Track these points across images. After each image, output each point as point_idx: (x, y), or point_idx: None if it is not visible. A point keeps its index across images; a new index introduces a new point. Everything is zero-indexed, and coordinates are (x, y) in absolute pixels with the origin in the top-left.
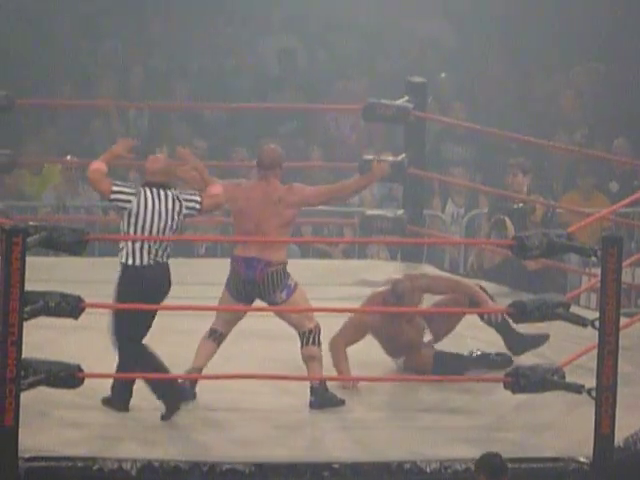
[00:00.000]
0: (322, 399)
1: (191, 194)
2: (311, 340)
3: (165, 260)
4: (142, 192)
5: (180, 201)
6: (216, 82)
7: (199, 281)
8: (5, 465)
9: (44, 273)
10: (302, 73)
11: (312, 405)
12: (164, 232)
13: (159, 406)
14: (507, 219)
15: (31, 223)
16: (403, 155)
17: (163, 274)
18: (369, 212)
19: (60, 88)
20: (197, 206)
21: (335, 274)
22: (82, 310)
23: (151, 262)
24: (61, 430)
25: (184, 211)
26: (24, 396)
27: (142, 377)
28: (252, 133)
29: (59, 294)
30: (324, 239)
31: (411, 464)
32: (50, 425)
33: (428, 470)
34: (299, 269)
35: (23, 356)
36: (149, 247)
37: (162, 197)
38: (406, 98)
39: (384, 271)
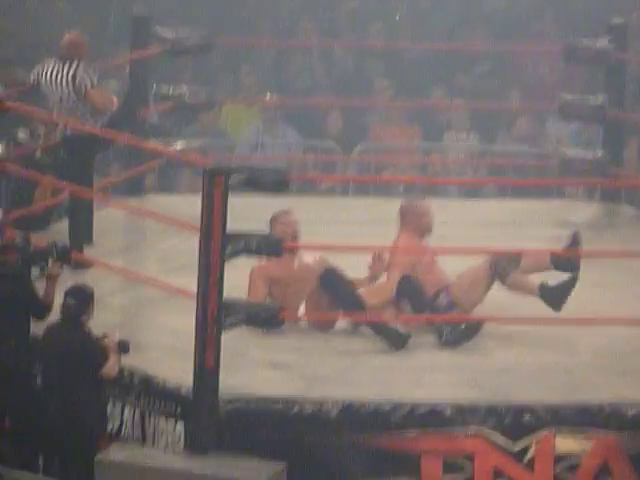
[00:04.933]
0: None
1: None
2: None
3: None
4: None
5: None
6: (414, 20)
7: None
8: (206, 405)
9: (242, 212)
10: (499, 11)
11: None
12: None
13: (357, 349)
14: None
15: (232, 163)
16: (603, 96)
17: None
18: (568, 153)
19: (260, 24)
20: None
21: (534, 214)
22: (283, 250)
23: None
24: (261, 371)
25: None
26: (224, 336)
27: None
28: (448, 72)
29: (260, 235)
30: (523, 181)
31: (612, 407)
32: (250, 366)
33: (629, 414)
34: (496, 209)
35: (224, 297)
36: None
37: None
38: (607, 39)
39: (583, 211)
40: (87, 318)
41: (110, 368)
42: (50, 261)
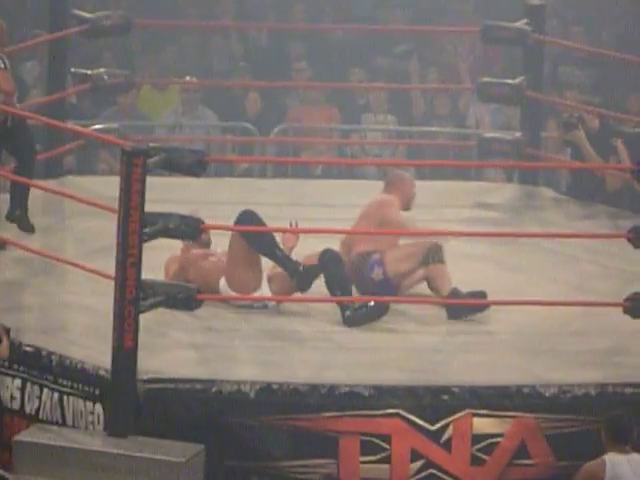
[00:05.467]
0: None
1: None
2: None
3: None
4: None
5: None
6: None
7: (315, 202)
8: (124, 386)
9: (160, 193)
10: None
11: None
12: None
13: (276, 329)
14: (620, 142)
15: (151, 144)
16: (521, 78)
17: None
18: (487, 134)
19: (180, 7)
20: None
21: (452, 196)
22: (202, 232)
23: None
24: (179, 352)
25: None
26: (142, 317)
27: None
28: (367, 54)
29: (178, 215)
30: (442, 162)
31: (530, 388)
32: (168, 347)
33: (547, 394)
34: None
35: (142, 277)
36: None
37: None
38: (525, 20)
39: (501, 193)
40: None
41: (3, 349)
42: None
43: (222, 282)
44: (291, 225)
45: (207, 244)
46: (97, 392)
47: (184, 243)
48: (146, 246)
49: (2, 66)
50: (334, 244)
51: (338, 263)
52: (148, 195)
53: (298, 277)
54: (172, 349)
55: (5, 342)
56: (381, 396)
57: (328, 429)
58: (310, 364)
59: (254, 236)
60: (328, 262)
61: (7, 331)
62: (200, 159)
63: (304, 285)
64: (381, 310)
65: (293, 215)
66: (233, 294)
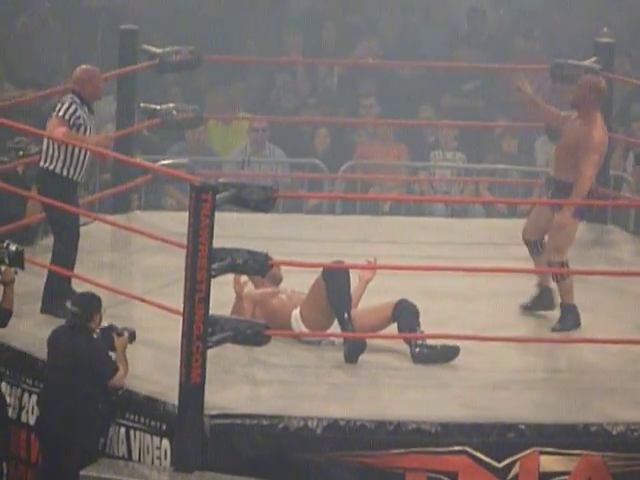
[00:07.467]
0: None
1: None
2: None
3: None
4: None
5: None
6: (404, 39)
7: (383, 239)
8: (191, 422)
9: (228, 229)
10: (487, 31)
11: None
12: None
13: (343, 365)
14: None
15: (220, 180)
16: None
17: None
18: None
19: (248, 44)
20: None
21: (519, 234)
22: (270, 267)
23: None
24: (246, 387)
25: None
26: (210, 353)
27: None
28: (435, 90)
29: (247, 251)
30: (510, 200)
31: (597, 426)
32: (235, 382)
33: (614, 433)
34: (483, 228)
35: (210, 313)
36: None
37: None
38: (594, 59)
39: None
40: (95, 326)
41: (118, 378)
42: (3, 266)
43: (293, 316)
44: (368, 262)
45: (278, 281)
46: (164, 427)
47: (252, 280)
48: (214, 281)
49: (61, 114)
50: (398, 281)
51: (413, 314)
52: (216, 231)
53: (348, 347)
54: (239, 385)
55: (122, 370)
56: (448, 433)
57: (395, 466)
58: (377, 400)
59: (335, 291)
60: (402, 311)
61: (132, 336)
62: (269, 195)
63: (351, 357)
64: (452, 353)
65: (361, 252)
66: (301, 330)
